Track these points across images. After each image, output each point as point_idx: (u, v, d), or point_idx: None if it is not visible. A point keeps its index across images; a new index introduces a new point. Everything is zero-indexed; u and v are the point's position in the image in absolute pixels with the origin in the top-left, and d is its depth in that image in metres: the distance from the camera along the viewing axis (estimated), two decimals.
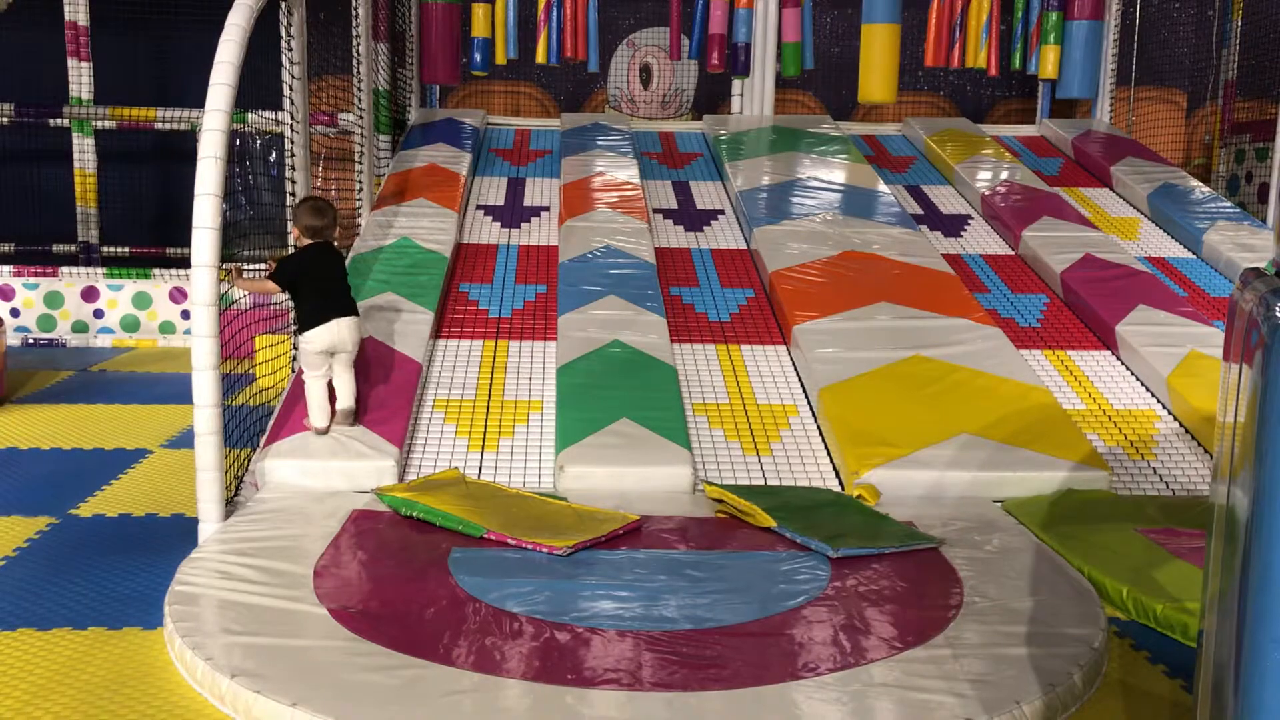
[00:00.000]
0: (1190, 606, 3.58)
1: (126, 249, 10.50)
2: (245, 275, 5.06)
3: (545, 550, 3.98)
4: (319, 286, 4.88)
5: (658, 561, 3.92)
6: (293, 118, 5.50)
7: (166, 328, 8.67)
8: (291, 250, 5.24)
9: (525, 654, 3.16)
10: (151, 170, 11.08)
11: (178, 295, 8.69)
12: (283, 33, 5.39)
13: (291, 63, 5.46)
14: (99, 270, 8.64)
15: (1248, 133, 10.70)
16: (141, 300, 8.64)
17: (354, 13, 7.23)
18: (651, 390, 5.38)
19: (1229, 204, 8.22)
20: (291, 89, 5.48)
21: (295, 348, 5.47)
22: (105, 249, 10.43)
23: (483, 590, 3.62)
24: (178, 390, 6.98)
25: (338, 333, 4.84)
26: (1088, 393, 5.79)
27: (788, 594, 3.66)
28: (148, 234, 10.78)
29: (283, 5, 5.33)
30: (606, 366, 5.57)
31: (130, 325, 8.63)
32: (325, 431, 4.87)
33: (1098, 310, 6.42)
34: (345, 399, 4.94)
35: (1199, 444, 5.33)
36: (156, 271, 8.72)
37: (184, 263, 9.29)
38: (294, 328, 5.29)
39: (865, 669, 3.11)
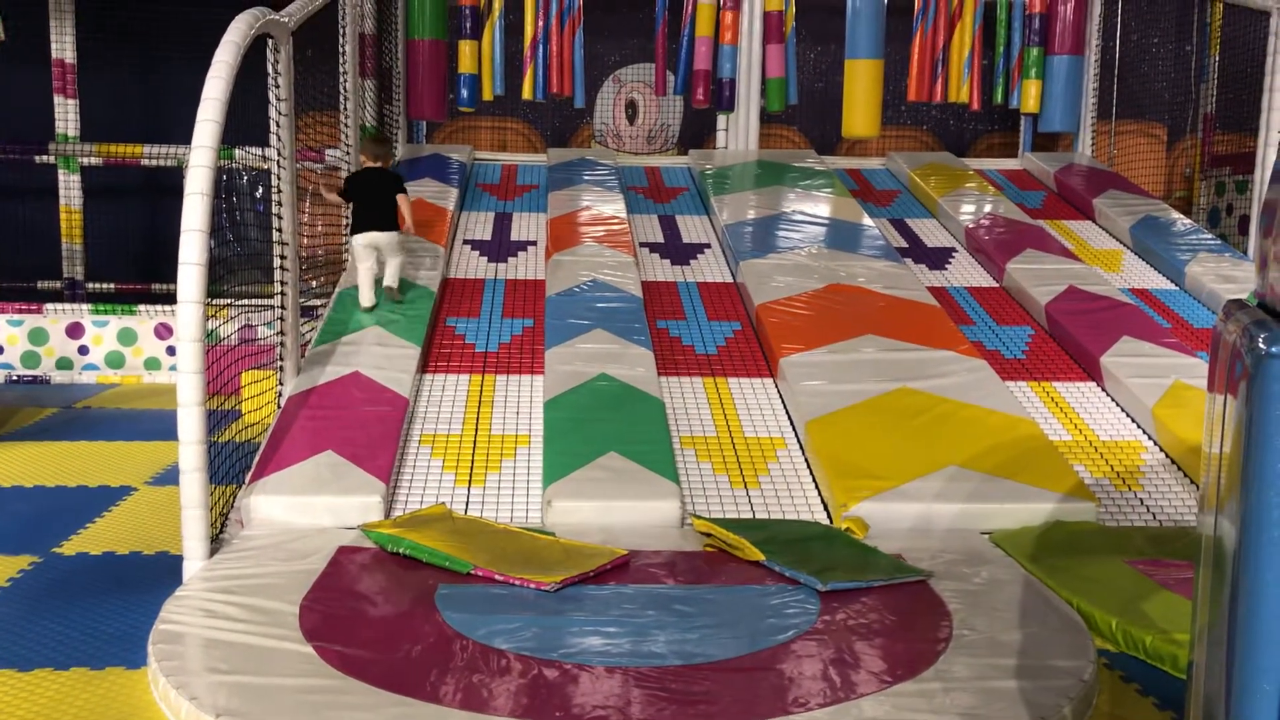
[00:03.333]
0: (1179, 638, 3.57)
1: (112, 285, 10.47)
2: (324, 186, 6.70)
3: (533, 586, 3.96)
4: (366, 203, 6.37)
5: (646, 597, 3.90)
6: (279, 154, 5.51)
7: (152, 364, 8.64)
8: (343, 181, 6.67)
9: (513, 691, 3.14)
10: (137, 206, 11.06)
11: (163, 331, 8.67)
12: (269, 70, 5.41)
13: (278, 99, 5.48)
14: (84, 306, 8.62)
15: (1227, 165, 10.81)
16: (127, 336, 8.62)
17: (341, 50, 7.27)
18: (639, 423, 5.37)
19: (1210, 236, 8.29)
20: (278, 125, 5.49)
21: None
22: (90, 285, 10.40)
23: (470, 627, 3.60)
24: (163, 427, 6.95)
25: (373, 239, 6.30)
26: (1073, 424, 5.81)
27: (777, 628, 3.64)
28: (133, 270, 10.75)
29: (269, 42, 5.35)
30: (594, 400, 5.57)
31: (115, 361, 8.61)
32: (371, 309, 6.29)
33: (1082, 342, 6.46)
34: (390, 279, 6.42)
35: (1185, 474, 5.35)
36: (142, 307, 8.71)
37: (169, 298, 9.25)
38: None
39: (855, 704, 3.09)
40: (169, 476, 5.70)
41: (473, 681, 3.19)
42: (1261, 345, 1.58)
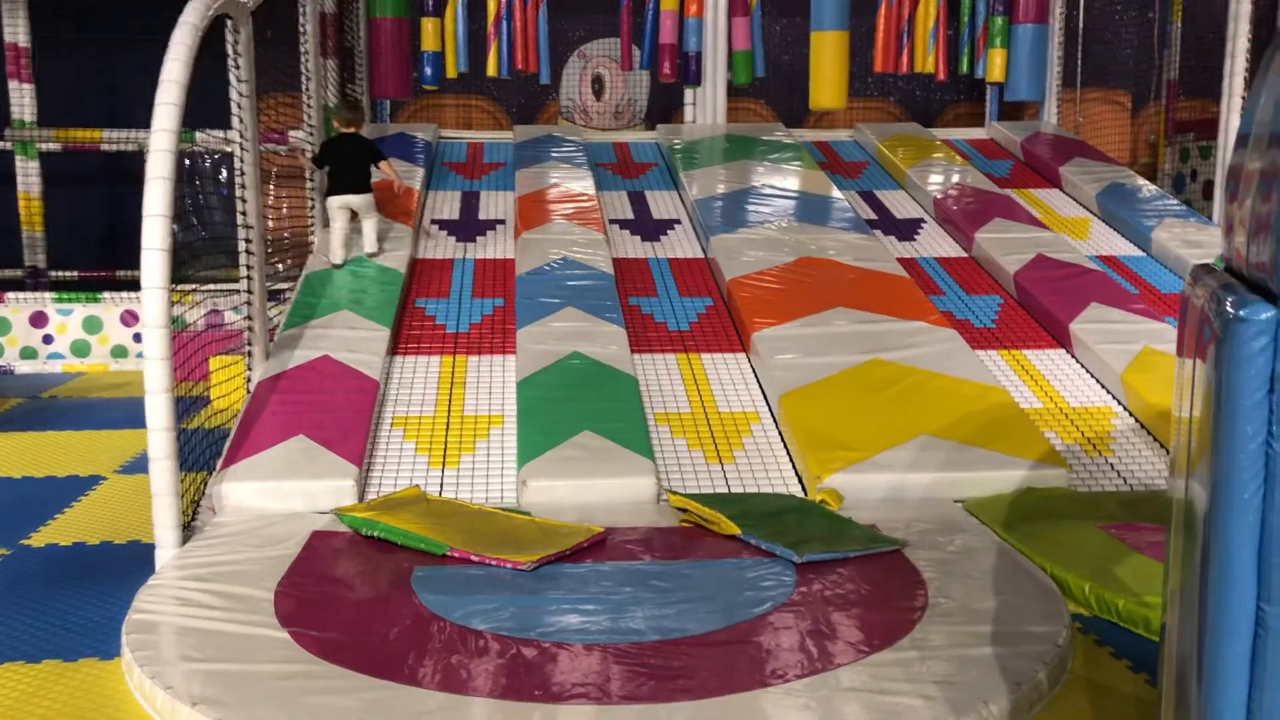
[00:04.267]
0: (1151, 601, 3.61)
1: (75, 273, 10.32)
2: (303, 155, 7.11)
3: (509, 566, 3.95)
4: (339, 167, 6.67)
5: (623, 573, 3.90)
6: (242, 136, 5.44)
7: (119, 351, 8.55)
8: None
9: (491, 671, 3.13)
10: (98, 192, 10.91)
11: (129, 318, 8.57)
12: (229, 51, 5.33)
13: (239, 80, 5.40)
14: (47, 295, 8.50)
15: (1191, 131, 10.88)
16: (92, 324, 8.52)
17: (301, 30, 7.17)
18: (613, 401, 5.36)
19: (1176, 202, 8.35)
20: (240, 107, 5.42)
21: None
22: (53, 273, 10.26)
23: (447, 608, 3.59)
24: (131, 415, 6.88)
25: (348, 200, 6.65)
26: (1044, 391, 5.84)
27: (754, 601, 3.65)
28: (96, 257, 10.61)
29: (229, 23, 5.27)
30: (567, 379, 5.55)
31: (81, 350, 8.51)
32: (340, 266, 6.63)
33: (1051, 309, 6.49)
34: (368, 245, 6.78)
35: (1155, 439, 5.40)
36: (106, 294, 8.61)
37: (134, 285, 9.09)
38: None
39: (833, 674, 3.10)
40: (139, 465, 5.63)
41: (451, 663, 3.18)
42: (1230, 309, 1.59)
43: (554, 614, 3.54)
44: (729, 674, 3.11)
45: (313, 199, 7.39)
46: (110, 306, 8.56)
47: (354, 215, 6.78)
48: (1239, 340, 1.54)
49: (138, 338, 8.59)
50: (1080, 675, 3.30)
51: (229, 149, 8.62)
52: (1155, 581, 3.77)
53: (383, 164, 6.80)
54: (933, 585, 3.79)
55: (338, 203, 6.65)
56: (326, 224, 7.15)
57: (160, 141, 4.16)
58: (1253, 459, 1.53)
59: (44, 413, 7.04)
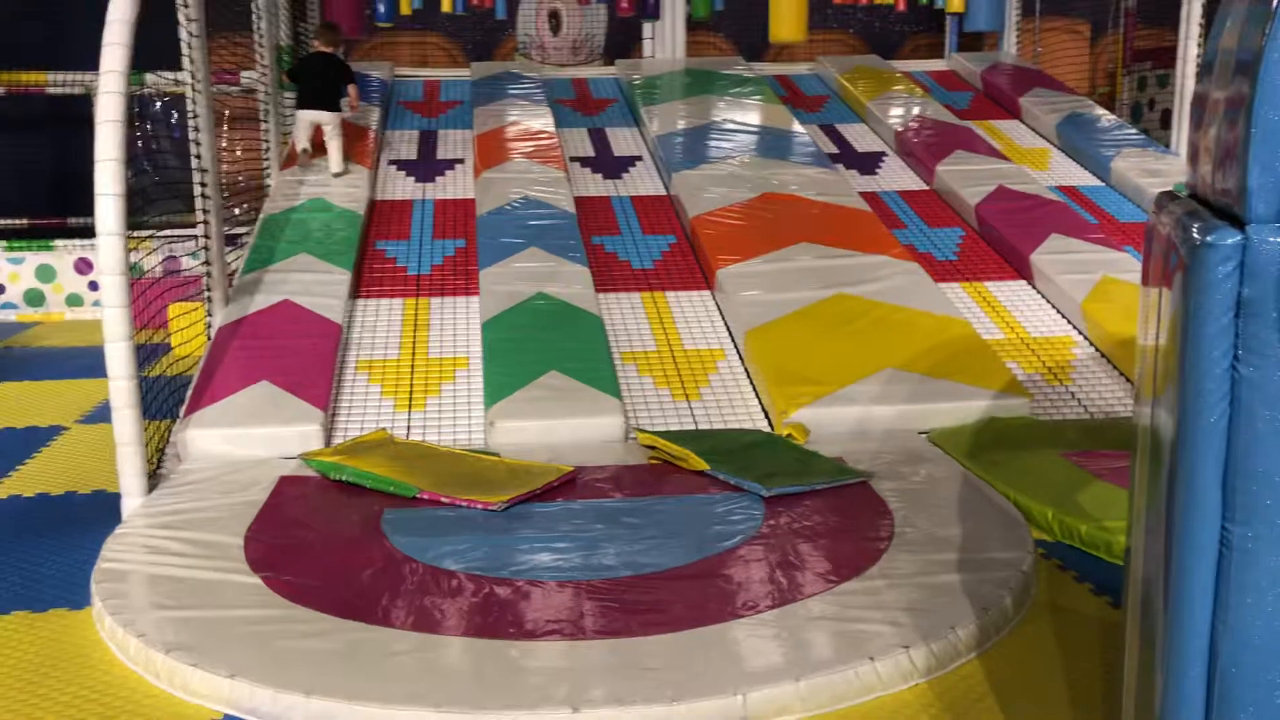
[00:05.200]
0: (1111, 525, 3.68)
1: (24, 220, 10.11)
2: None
3: (480, 506, 3.96)
4: (310, 84, 6.95)
5: (594, 511, 3.93)
6: (193, 77, 5.31)
7: (74, 300, 8.41)
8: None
9: (466, 610, 3.15)
10: (46, 137, 10.65)
11: (83, 266, 8.43)
12: None
13: (189, 20, 5.27)
14: None
15: (1149, 60, 10.90)
16: (45, 273, 8.37)
17: None
18: (579, 341, 5.36)
19: (1134, 131, 8.38)
20: (190, 47, 5.29)
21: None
22: (1, 221, 10.04)
23: (419, 550, 3.59)
24: (90, 364, 6.79)
25: (316, 116, 6.94)
26: (1006, 322, 5.90)
27: (724, 535, 3.69)
28: (46, 204, 10.39)
29: None
30: (532, 319, 5.53)
31: (35, 299, 8.37)
32: (306, 153, 7.00)
33: (1012, 241, 6.53)
34: (334, 165, 7.00)
35: (1115, 368, 5.47)
36: (59, 242, 8.44)
37: (88, 232, 8.97)
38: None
39: (802, 604, 3.15)
40: (101, 414, 5.58)
41: (425, 603, 3.19)
42: (1196, 235, 1.60)
43: (526, 553, 3.56)
44: (700, 607, 3.15)
45: (267, 142, 7.27)
46: (63, 254, 8.41)
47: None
48: (1206, 265, 1.55)
49: (93, 285, 8.46)
50: (1044, 600, 3.37)
51: (180, 90, 8.46)
52: (1116, 507, 3.85)
53: (350, 86, 7.12)
54: (899, 515, 3.85)
55: (307, 117, 6.97)
56: (283, 167, 7.05)
57: (110, 83, 4.05)
58: (1219, 382, 1.55)
59: (0, 364, 6.94)
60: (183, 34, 5.30)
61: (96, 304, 8.50)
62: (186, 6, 5.24)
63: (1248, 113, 1.54)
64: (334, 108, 7.00)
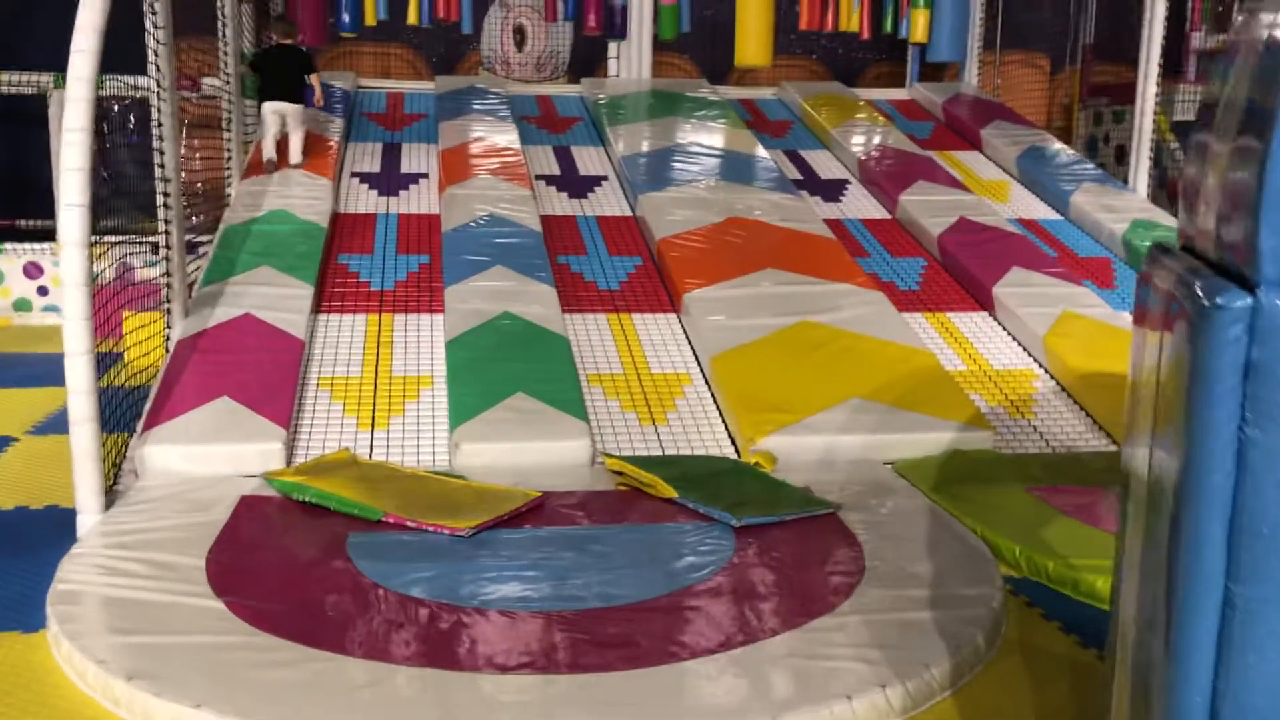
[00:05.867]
0: (1079, 563, 3.71)
1: None
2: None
3: (446, 532, 3.90)
4: (271, 77, 7.13)
5: (562, 539, 3.89)
6: (159, 84, 5.22)
7: (22, 305, 8.22)
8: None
9: (435, 641, 3.10)
10: None
11: (33, 270, 8.24)
12: None
13: (156, 26, 5.17)
14: None
15: (1105, 95, 11.10)
16: None
17: None
18: (545, 362, 5.32)
19: (1092, 166, 8.52)
20: (156, 54, 5.20)
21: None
22: None
23: (384, 576, 3.54)
24: (39, 371, 6.64)
25: (280, 108, 7.09)
26: (968, 354, 5.95)
27: (694, 566, 3.67)
28: None
29: None
30: (498, 339, 5.49)
31: None
32: (272, 164, 7.07)
33: (974, 272, 6.60)
34: (294, 156, 7.16)
35: (1076, 402, 5.53)
36: (8, 245, 8.25)
37: (37, 235, 8.80)
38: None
39: (776, 640, 3.13)
40: (52, 425, 5.45)
41: (393, 633, 3.13)
42: (1203, 296, 1.60)
43: (495, 581, 3.51)
44: (673, 641, 3.12)
45: (229, 150, 7.16)
46: (12, 258, 8.21)
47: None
48: (1215, 327, 1.56)
49: (42, 291, 8.28)
50: (1014, 638, 3.38)
51: (136, 95, 8.31)
52: (1082, 544, 3.89)
53: (313, 76, 7.27)
54: (868, 549, 3.85)
55: (270, 108, 7.11)
56: (244, 176, 6.96)
57: (78, 90, 3.97)
58: (1225, 444, 1.56)
59: None
60: (149, 40, 5.20)
61: (45, 309, 8.34)
62: (154, 13, 5.14)
63: (1259, 174, 1.56)
64: (297, 99, 7.16)
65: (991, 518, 4.15)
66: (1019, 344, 6.06)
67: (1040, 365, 5.86)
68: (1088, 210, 7.63)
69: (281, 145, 7.24)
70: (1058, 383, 5.70)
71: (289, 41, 7.33)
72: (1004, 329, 6.22)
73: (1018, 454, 5.05)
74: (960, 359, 5.88)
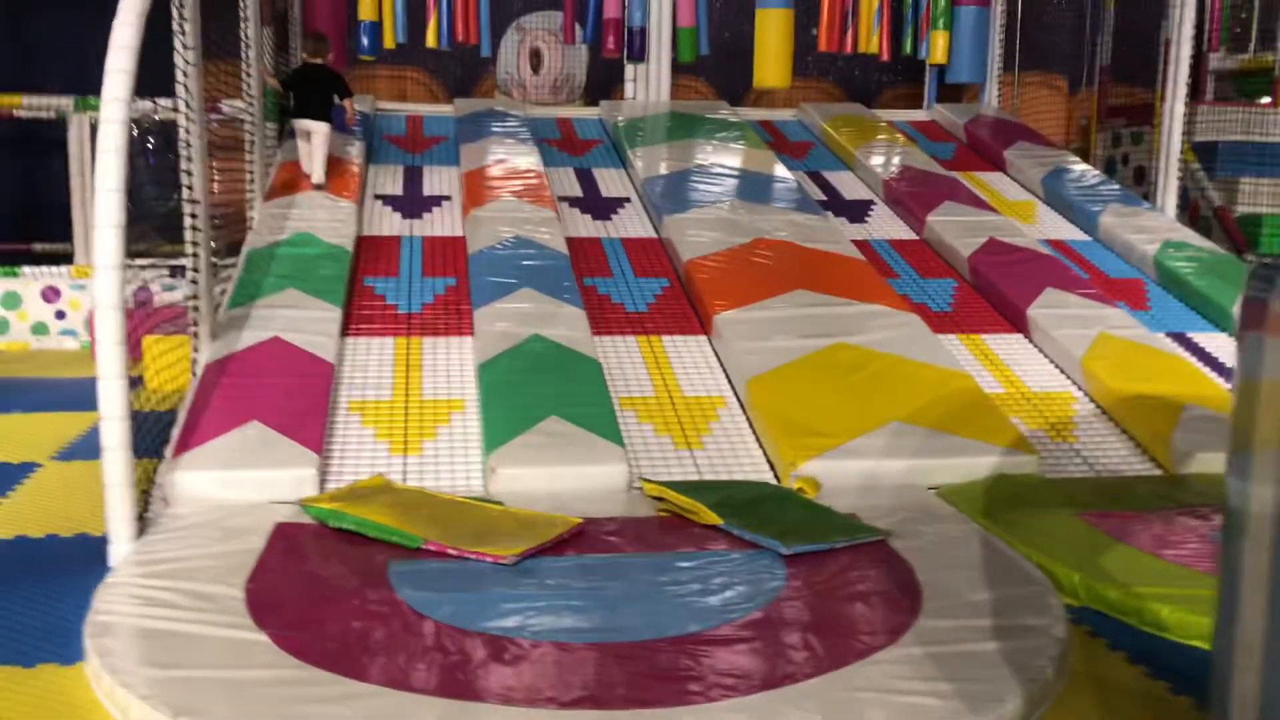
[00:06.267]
0: (1141, 591, 3.60)
1: None
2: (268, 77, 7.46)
3: (490, 560, 3.81)
4: (301, 94, 7.20)
5: (610, 567, 3.79)
6: (187, 106, 5.15)
7: (39, 329, 8.15)
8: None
9: (491, 674, 2.99)
10: (13, 161, 10.36)
11: (50, 294, 8.17)
12: (175, 15, 5.04)
13: (185, 47, 5.11)
14: None
15: (1122, 117, 11.05)
16: (10, 300, 8.10)
17: None
18: (578, 385, 5.23)
19: (1118, 186, 8.45)
20: (185, 75, 5.13)
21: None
22: None
23: (431, 606, 3.44)
24: (59, 397, 6.58)
25: (308, 125, 7.17)
26: (1005, 376, 5.86)
27: (747, 595, 3.57)
28: (9, 229, 10.09)
29: None
30: (529, 362, 5.40)
31: None
32: (319, 187, 7.16)
33: (1007, 293, 6.51)
34: (315, 176, 7.17)
35: (1118, 425, 5.43)
36: (25, 269, 8.18)
37: (54, 259, 8.73)
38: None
39: (843, 672, 3.03)
40: (76, 451, 5.37)
41: (446, 665, 3.03)
42: None
43: (544, 612, 3.41)
44: (738, 674, 3.02)
45: (251, 173, 7.09)
46: (30, 281, 8.15)
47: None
48: None
49: (60, 314, 8.20)
50: (1080, 669, 3.28)
51: (156, 118, 8.26)
52: (1143, 571, 3.79)
53: (347, 100, 7.34)
54: (923, 577, 3.75)
55: (301, 126, 7.22)
56: (266, 198, 6.91)
57: (112, 112, 3.91)
58: None
59: None
60: (178, 61, 5.14)
61: (63, 333, 8.26)
62: (184, 34, 5.09)
63: None
64: (323, 117, 7.16)
65: (1045, 544, 4.05)
66: (1056, 366, 5.97)
67: (1079, 388, 5.77)
68: (1117, 231, 7.55)
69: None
70: (1098, 405, 5.60)
71: (318, 61, 7.28)
72: (1040, 351, 6.13)
73: (1064, 478, 4.95)
74: (997, 381, 5.78)
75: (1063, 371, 5.92)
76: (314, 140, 7.18)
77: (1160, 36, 9.56)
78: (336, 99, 7.26)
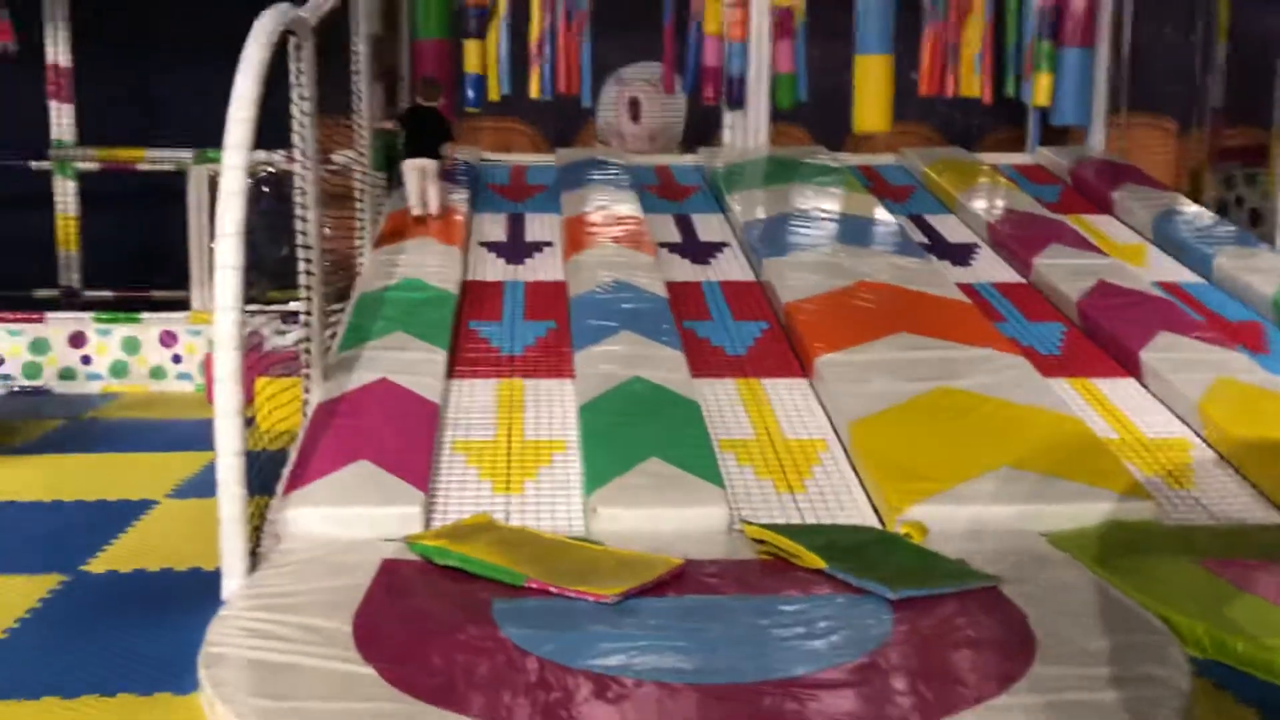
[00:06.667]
0: (1271, 643, 3.44)
1: (109, 292, 10.21)
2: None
3: (591, 599, 3.80)
4: (412, 134, 7.64)
5: (711, 608, 3.76)
6: (303, 155, 5.33)
7: (157, 373, 8.44)
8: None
9: (595, 712, 2.98)
10: (132, 211, 10.81)
11: (167, 339, 8.47)
12: (293, 68, 5.24)
13: (301, 98, 5.30)
14: (86, 315, 8.40)
15: (1237, 158, 10.76)
16: (130, 345, 8.42)
17: (354, 51, 7.09)
18: (678, 427, 5.22)
19: (1232, 228, 8.20)
20: (302, 125, 5.32)
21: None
22: (87, 293, 10.15)
23: (534, 643, 3.44)
24: (175, 436, 6.80)
25: (420, 164, 7.56)
26: (1119, 421, 5.69)
27: (853, 640, 3.50)
28: (129, 276, 10.50)
29: (292, 40, 5.18)
30: (629, 404, 5.42)
31: (119, 370, 8.40)
32: (420, 217, 7.59)
33: (1119, 337, 6.34)
34: (433, 208, 7.65)
35: (1238, 472, 5.23)
36: (145, 315, 8.50)
37: (171, 305, 9.07)
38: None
39: None
40: (190, 489, 5.53)
41: (552, 703, 3.03)
42: None
43: (647, 651, 3.39)
44: (844, 718, 2.95)
45: (361, 220, 7.30)
46: (149, 327, 8.46)
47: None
48: None
49: (176, 359, 8.50)
50: None
51: (272, 170, 8.56)
52: (1271, 622, 3.62)
53: (448, 145, 7.69)
54: (1036, 624, 3.63)
55: (411, 164, 7.57)
56: (375, 246, 7.09)
57: (233, 158, 4.07)
58: None
59: (86, 434, 6.94)
60: (295, 112, 5.33)
61: (179, 377, 8.56)
62: (301, 85, 5.28)
63: None
64: (435, 155, 7.58)
65: (1164, 592, 3.89)
66: (1172, 411, 5.78)
67: (1196, 433, 5.57)
68: (1233, 272, 7.31)
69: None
70: (1217, 452, 5.40)
71: (431, 105, 7.67)
72: (1154, 395, 5.94)
73: (1181, 525, 4.77)
74: (1110, 426, 5.62)
75: (1179, 417, 5.72)
76: (428, 175, 7.56)
77: (1277, 73, 9.32)
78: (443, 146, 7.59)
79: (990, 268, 7.70)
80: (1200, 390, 5.69)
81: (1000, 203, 8.53)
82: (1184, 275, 7.62)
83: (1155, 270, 7.69)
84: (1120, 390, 6.01)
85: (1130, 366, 6.19)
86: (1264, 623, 3.60)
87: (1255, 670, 3.43)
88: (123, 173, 10.14)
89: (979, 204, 8.51)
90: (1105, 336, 6.48)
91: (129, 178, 10.38)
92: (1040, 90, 9.83)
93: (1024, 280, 7.48)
